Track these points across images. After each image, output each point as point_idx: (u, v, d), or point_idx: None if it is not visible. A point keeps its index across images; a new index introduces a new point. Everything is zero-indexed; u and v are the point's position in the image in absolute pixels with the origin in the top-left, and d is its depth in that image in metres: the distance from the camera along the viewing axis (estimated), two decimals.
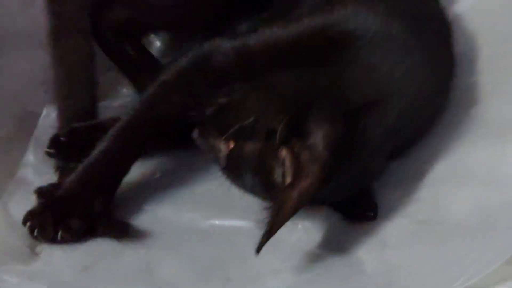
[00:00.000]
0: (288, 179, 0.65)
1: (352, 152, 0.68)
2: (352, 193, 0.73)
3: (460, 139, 0.76)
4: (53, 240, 0.75)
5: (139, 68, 0.94)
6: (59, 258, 0.77)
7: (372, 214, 0.74)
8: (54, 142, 0.84)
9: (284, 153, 0.66)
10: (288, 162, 0.66)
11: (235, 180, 0.74)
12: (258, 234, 0.73)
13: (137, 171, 0.84)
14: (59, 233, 0.75)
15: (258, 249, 0.66)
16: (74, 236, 0.76)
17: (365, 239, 0.72)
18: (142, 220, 0.81)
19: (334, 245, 0.74)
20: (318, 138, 0.64)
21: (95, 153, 0.78)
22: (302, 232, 0.76)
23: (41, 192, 0.79)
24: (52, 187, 0.79)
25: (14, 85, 0.93)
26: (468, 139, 0.75)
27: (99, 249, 0.77)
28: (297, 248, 0.75)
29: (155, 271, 0.75)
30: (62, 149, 0.84)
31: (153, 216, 0.82)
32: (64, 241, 0.75)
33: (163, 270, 0.75)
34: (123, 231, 0.78)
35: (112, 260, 0.76)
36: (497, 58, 0.81)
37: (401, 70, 0.72)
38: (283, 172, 0.66)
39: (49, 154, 0.84)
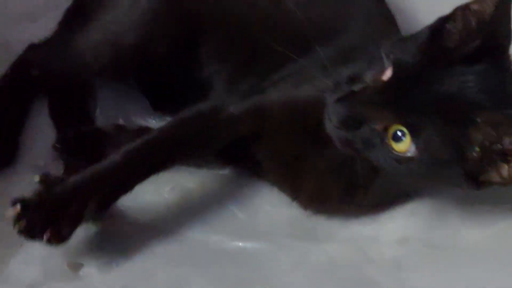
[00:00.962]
0: None
1: None
2: None
3: None
4: (34, 239, 0.75)
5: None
6: (98, 279, 0.82)
7: None
8: (62, 139, 0.93)
9: None
10: None
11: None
12: (278, 255, 0.81)
13: (167, 195, 0.91)
14: (45, 237, 0.75)
15: None
16: (60, 242, 0.77)
17: (381, 261, 0.79)
18: (173, 241, 0.86)
19: (352, 267, 0.80)
20: None
21: (103, 163, 0.81)
22: (322, 253, 0.83)
23: (45, 180, 0.79)
24: (56, 179, 0.80)
25: None
26: None
27: (135, 269, 0.83)
28: (316, 269, 0.81)
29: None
30: (68, 145, 0.92)
31: (183, 237, 0.87)
32: (49, 243, 0.76)
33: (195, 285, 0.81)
34: None
35: (147, 280, 0.82)
36: None
37: None
38: None
39: (56, 148, 0.92)
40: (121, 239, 0.87)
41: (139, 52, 0.93)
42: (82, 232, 0.86)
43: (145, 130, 0.95)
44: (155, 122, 0.99)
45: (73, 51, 0.95)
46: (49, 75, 0.97)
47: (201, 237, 0.87)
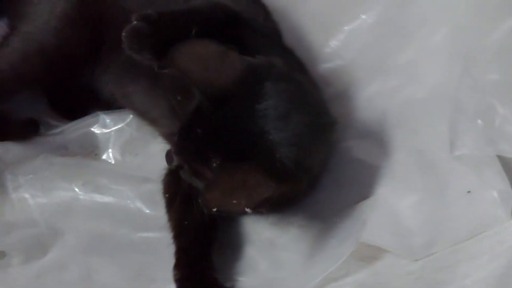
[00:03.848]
0: None
1: None
2: None
3: None
4: None
5: None
6: (17, 269, 0.93)
7: None
8: None
9: None
10: None
11: None
12: None
13: (79, 190, 1.02)
14: None
15: None
16: None
17: (259, 241, 0.91)
18: (85, 235, 0.97)
19: (235, 248, 0.92)
20: None
21: None
22: None
23: None
24: None
25: None
26: None
27: (49, 260, 0.94)
28: None
29: (95, 277, 0.92)
30: None
31: (93, 231, 0.98)
32: None
33: (101, 276, 0.92)
34: None
35: (59, 270, 0.93)
36: None
37: None
38: None
39: None
40: (38, 232, 0.98)
41: (62, 55, 1.02)
42: (5, 223, 0.99)
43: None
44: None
45: (2, 68, 1.02)
46: None
47: (110, 230, 0.98)
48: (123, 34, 0.83)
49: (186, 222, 0.93)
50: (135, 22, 0.83)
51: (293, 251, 0.88)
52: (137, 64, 0.91)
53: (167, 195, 0.97)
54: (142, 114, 1.06)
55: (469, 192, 0.81)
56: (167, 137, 1.00)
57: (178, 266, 0.89)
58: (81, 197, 1.02)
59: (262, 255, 0.90)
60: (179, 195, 0.95)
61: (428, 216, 0.83)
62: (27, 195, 1.01)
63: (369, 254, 0.83)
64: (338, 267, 0.79)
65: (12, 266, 0.95)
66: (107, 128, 1.09)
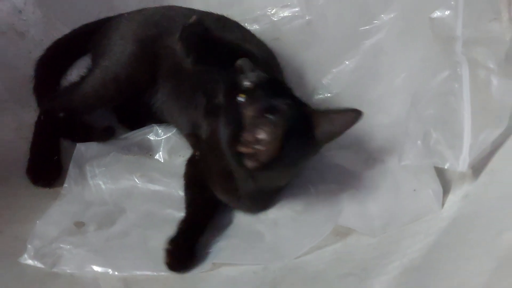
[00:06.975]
0: None
1: None
2: None
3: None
4: None
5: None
6: (92, 234, 1.23)
7: None
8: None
9: None
10: None
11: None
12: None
13: (138, 180, 1.35)
14: None
15: None
16: None
17: (266, 220, 1.24)
18: (140, 212, 1.29)
19: (247, 224, 1.24)
20: None
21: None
22: (232, 215, 1.27)
23: None
24: None
25: None
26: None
27: (115, 230, 1.25)
28: (227, 226, 1.26)
29: (149, 243, 1.21)
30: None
31: (147, 210, 1.29)
32: None
33: (153, 243, 1.20)
34: None
35: (122, 238, 1.23)
36: None
37: None
38: None
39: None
40: (107, 209, 1.29)
41: (130, 82, 1.36)
42: (84, 202, 1.29)
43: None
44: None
45: (87, 91, 1.37)
46: (71, 113, 1.40)
47: (159, 210, 1.28)
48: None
49: (198, 201, 1.25)
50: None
51: (291, 228, 1.21)
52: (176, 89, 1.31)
53: (185, 178, 1.31)
54: (175, 122, 1.41)
55: (414, 190, 1.15)
56: (186, 136, 1.37)
57: (178, 231, 1.20)
58: (139, 185, 1.33)
59: (268, 231, 1.22)
60: (195, 179, 1.29)
61: (386, 206, 1.16)
62: (100, 182, 1.33)
63: (342, 231, 1.16)
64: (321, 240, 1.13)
65: (89, 232, 1.23)
66: (159, 136, 1.43)
